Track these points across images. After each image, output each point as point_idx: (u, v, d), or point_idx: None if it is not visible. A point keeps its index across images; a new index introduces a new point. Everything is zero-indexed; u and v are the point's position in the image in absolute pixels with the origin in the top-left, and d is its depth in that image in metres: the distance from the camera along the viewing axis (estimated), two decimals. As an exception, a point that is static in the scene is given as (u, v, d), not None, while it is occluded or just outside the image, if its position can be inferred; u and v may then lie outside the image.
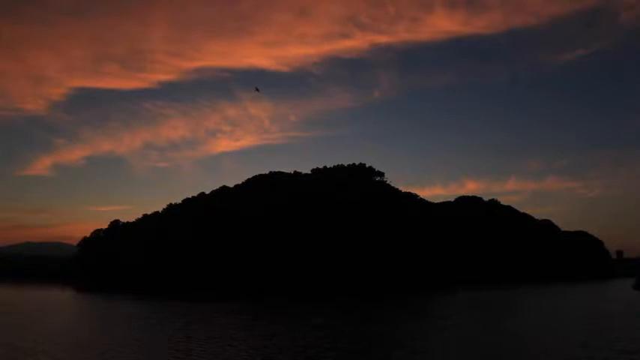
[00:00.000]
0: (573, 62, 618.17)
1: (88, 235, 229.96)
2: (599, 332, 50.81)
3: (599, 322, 59.64)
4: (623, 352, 39.45)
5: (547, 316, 68.93)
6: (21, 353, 40.45)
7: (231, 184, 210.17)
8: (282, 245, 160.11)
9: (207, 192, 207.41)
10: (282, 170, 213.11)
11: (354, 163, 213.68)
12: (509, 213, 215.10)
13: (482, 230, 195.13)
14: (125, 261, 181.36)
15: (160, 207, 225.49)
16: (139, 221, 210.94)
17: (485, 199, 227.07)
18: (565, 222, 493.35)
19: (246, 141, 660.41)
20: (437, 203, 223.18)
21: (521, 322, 63.12)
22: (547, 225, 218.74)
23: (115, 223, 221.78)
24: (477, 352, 41.06)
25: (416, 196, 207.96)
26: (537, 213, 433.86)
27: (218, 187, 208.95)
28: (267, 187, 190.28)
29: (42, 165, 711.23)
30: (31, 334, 52.07)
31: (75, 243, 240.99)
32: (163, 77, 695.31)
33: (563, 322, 62.31)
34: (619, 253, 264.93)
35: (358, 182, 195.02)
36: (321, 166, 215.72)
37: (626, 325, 56.63)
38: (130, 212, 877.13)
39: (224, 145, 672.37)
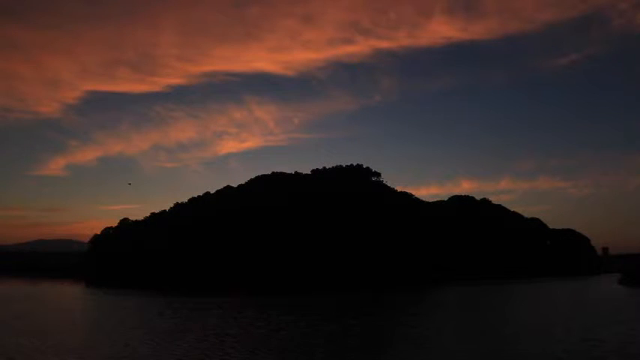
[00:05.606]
0: (566, 66, 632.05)
1: (98, 232, 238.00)
2: (590, 325, 56.15)
3: (590, 316, 65.43)
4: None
5: (537, 310, 73.82)
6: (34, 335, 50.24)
7: (235, 184, 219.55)
8: (282, 242, 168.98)
9: (213, 191, 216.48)
10: (283, 171, 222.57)
11: (352, 164, 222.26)
12: (499, 211, 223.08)
13: (474, 228, 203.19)
14: (133, 257, 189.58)
15: (167, 205, 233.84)
16: (147, 219, 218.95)
17: (478, 198, 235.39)
18: (555, 220, 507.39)
19: (251, 142, 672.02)
20: (431, 202, 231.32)
21: (512, 315, 67.60)
22: (536, 223, 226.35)
23: (125, 221, 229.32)
24: (471, 343, 45.44)
25: (411, 195, 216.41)
26: (529, 211, 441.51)
27: (223, 187, 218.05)
28: (269, 187, 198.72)
29: (56, 165, 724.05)
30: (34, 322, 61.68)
31: (86, 240, 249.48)
32: (173, 81, 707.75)
33: (554, 315, 67.34)
34: (605, 250, 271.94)
35: (356, 182, 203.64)
36: (320, 167, 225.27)
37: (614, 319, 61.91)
38: (139, 210, 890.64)
39: (230, 146, 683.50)
